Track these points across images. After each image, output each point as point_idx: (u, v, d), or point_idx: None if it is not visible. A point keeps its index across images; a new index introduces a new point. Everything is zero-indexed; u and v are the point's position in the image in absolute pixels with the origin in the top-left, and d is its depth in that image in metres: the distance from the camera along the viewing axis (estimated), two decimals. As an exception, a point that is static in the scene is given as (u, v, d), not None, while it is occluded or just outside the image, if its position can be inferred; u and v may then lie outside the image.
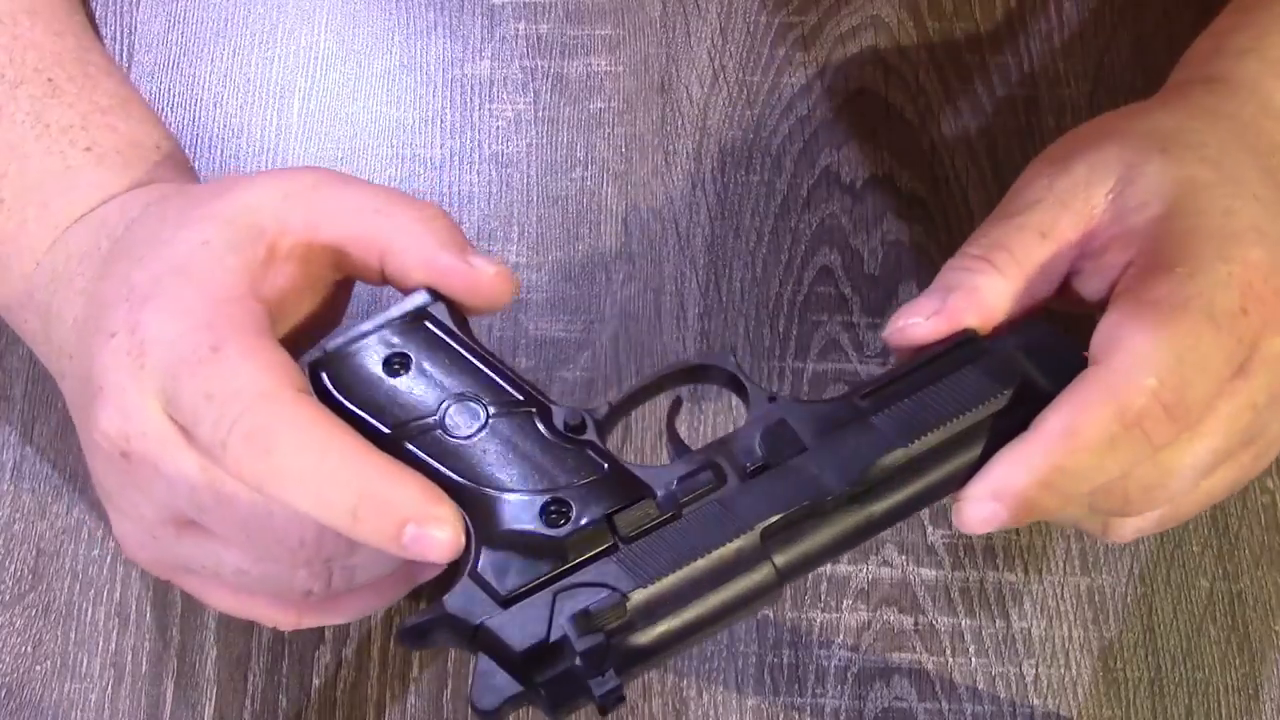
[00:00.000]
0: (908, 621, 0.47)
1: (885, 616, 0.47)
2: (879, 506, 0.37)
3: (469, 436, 0.38)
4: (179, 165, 0.45)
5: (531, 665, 0.35)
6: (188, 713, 0.46)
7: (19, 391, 0.50)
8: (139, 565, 0.42)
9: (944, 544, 0.48)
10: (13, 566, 0.47)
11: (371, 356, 0.38)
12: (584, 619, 0.34)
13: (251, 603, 0.41)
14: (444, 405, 0.38)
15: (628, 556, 0.36)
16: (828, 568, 0.48)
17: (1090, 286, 0.40)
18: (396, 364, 0.38)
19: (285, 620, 0.42)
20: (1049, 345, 0.39)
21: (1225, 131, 0.41)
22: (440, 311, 0.39)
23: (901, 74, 0.55)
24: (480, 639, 0.35)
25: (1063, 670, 0.47)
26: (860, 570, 0.48)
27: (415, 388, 0.38)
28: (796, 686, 0.46)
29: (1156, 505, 0.38)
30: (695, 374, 0.41)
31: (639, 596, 0.35)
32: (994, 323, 0.39)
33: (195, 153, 0.53)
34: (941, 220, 0.52)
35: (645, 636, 0.35)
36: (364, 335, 0.39)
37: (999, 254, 0.39)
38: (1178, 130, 0.41)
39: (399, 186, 0.53)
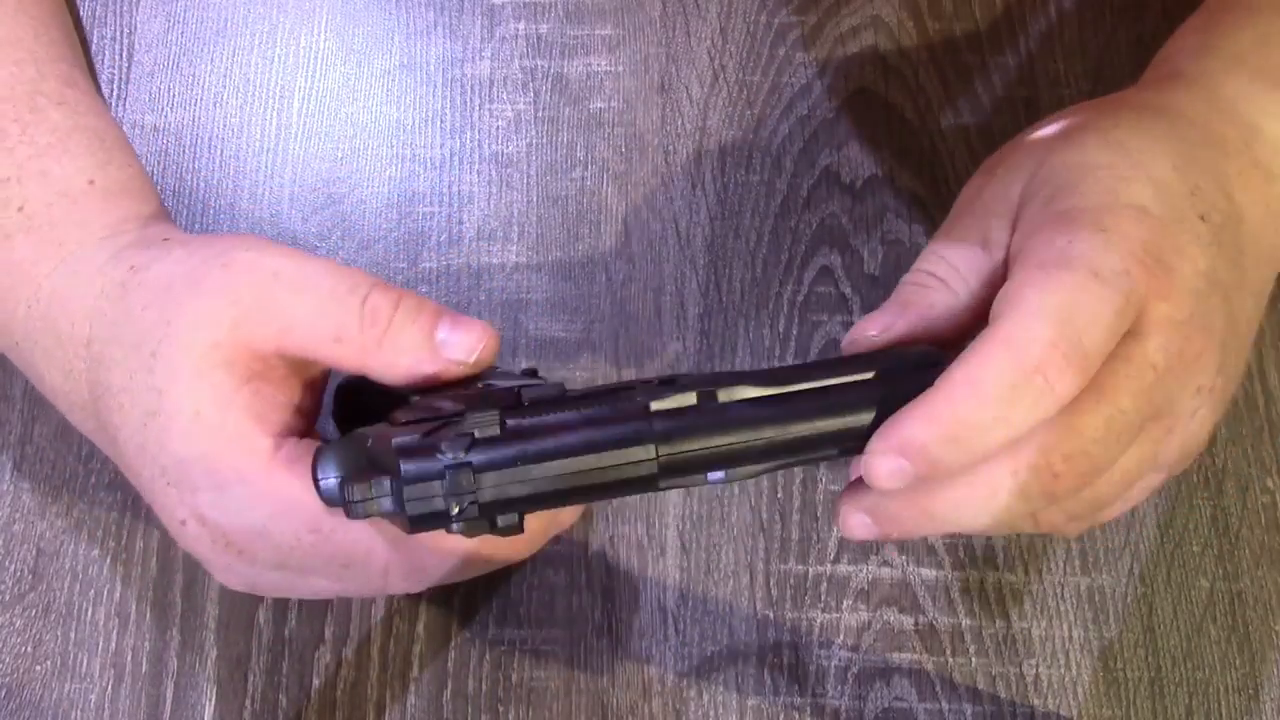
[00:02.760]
0: (908, 621, 0.47)
1: (885, 616, 0.47)
2: (779, 433, 0.36)
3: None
4: (110, 195, 0.45)
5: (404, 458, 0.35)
6: (188, 713, 0.46)
7: (19, 391, 0.50)
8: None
9: (944, 544, 0.48)
10: (13, 566, 0.47)
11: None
12: (455, 425, 0.35)
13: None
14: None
15: (522, 408, 0.36)
16: (827, 567, 0.48)
17: None
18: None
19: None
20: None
21: (1149, 120, 0.41)
22: None
23: (901, 74, 0.55)
24: (371, 446, 0.36)
25: (1063, 670, 0.47)
26: (860, 570, 0.48)
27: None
28: (796, 686, 0.46)
29: (1087, 479, 0.38)
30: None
31: (515, 420, 0.35)
32: (946, 336, 0.40)
33: (195, 153, 0.53)
34: (941, 220, 0.52)
35: (511, 456, 0.35)
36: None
37: (945, 269, 0.40)
38: (1090, 120, 0.42)
39: (399, 187, 0.53)
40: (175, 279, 0.40)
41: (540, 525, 0.42)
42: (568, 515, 0.44)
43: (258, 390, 0.39)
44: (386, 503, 0.35)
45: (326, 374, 0.42)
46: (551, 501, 0.36)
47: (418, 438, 0.35)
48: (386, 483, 0.35)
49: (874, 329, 0.40)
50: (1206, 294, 0.38)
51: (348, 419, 0.43)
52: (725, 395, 0.36)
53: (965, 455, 0.36)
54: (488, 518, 0.35)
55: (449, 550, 0.40)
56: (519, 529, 0.36)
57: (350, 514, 0.36)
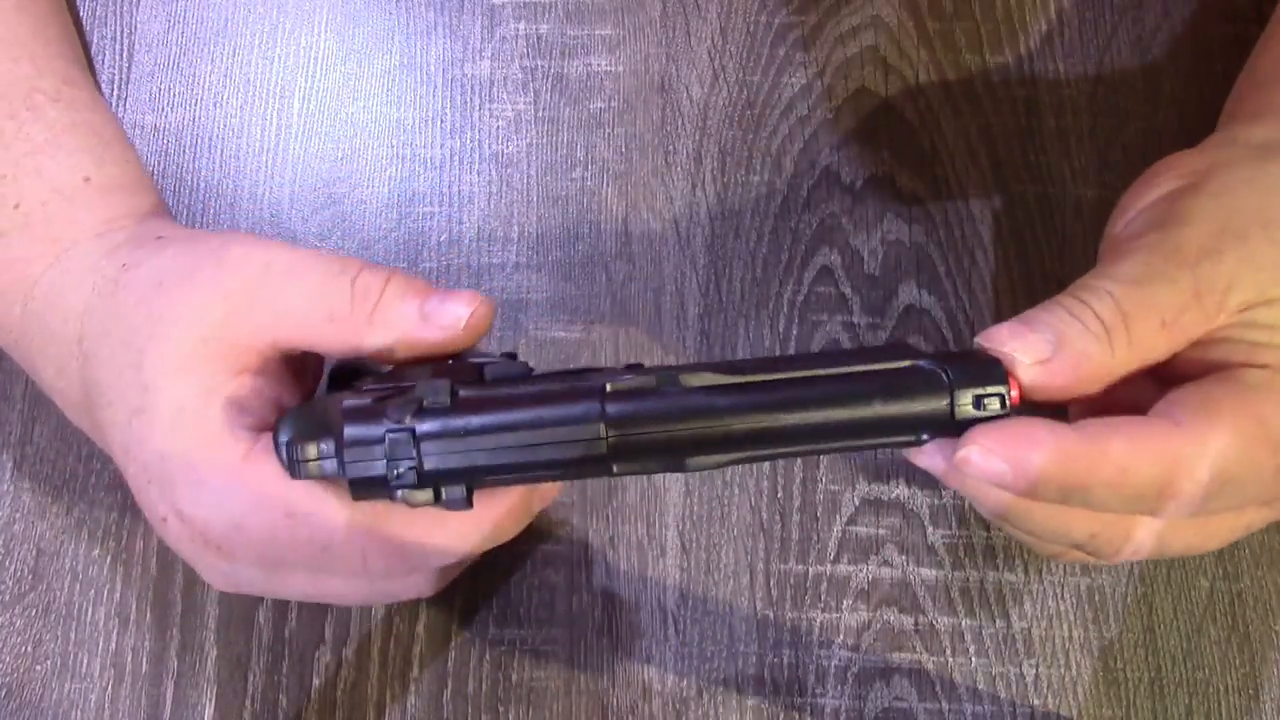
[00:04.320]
0: (908, 621, 0.47)
1: (885, 616, 0.47)
2: (738, 424, 0.35)
3: None
4: (106, 191, 0.45)
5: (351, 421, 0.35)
6: (188, 713, 0.46)
7: (19, 391, 0.50)
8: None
9: (944, 544, 0.48)
10: (13, 566, 0.47)
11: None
12: (407, 393, 0.35)
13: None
14: None
15: (478, 384, 0.36)
16: (827, 567, 0.48)
17: (1165, 364, 0.38)
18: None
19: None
20: (969, 355, 0.37)
21: None
22: None
23: (901, 74, 0.55)
24: (324, 409, 0.36)
25: (1063, 670, 0.47)
26: (860, 570, 0.48)
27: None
28: (796, 686, 0.46)
29: (1108, 558, 0.39)
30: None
31: (467, 390, 0.35)
32: (1076, 397, 0.37)
33: (195, 153, 0.53)
34: (941, 220, 0.53)
35: (459, 427, 0.35)
36: None
37: (1119, 330, 0.36)
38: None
39: (399, 187, 0.53)
40: (168, 275, 0.40)
41: (520, 500, 0.40)
42: (548, 489, 0.42)
43: (244, 383, 0.39)
44: (330, 464, 0.35)
45: (318, 372, 0.43)
46: (497, 476, 0.35)
47: (366, 402, 0.35)
48: (331, 444, 0.35)
49: (1029, 355, 0.36)
50: None
51: None
52: (688, 380, 0.35)
53: (1059, 501, 0.35)
54: (430, 487, 0.35)
55: (423, 530, 0.39)
56: (466, 504, 0.35)
57: (293, 473, 0.36)
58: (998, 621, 0.47)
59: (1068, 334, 0.36)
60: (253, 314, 0.39)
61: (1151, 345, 0.37)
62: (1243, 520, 0.38)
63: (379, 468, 0.35)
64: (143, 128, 0.54)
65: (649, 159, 0.54)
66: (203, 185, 0.53)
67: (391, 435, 0.34)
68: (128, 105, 0.54)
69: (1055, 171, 0.53)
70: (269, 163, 0.53)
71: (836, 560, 0.48)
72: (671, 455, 0.35)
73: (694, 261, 0.52)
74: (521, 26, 0.55)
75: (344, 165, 0.53)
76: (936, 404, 0.35)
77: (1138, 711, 0.46)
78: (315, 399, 0.38)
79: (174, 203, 0.53)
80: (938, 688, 0.46)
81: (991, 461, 0.34)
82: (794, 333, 0.51)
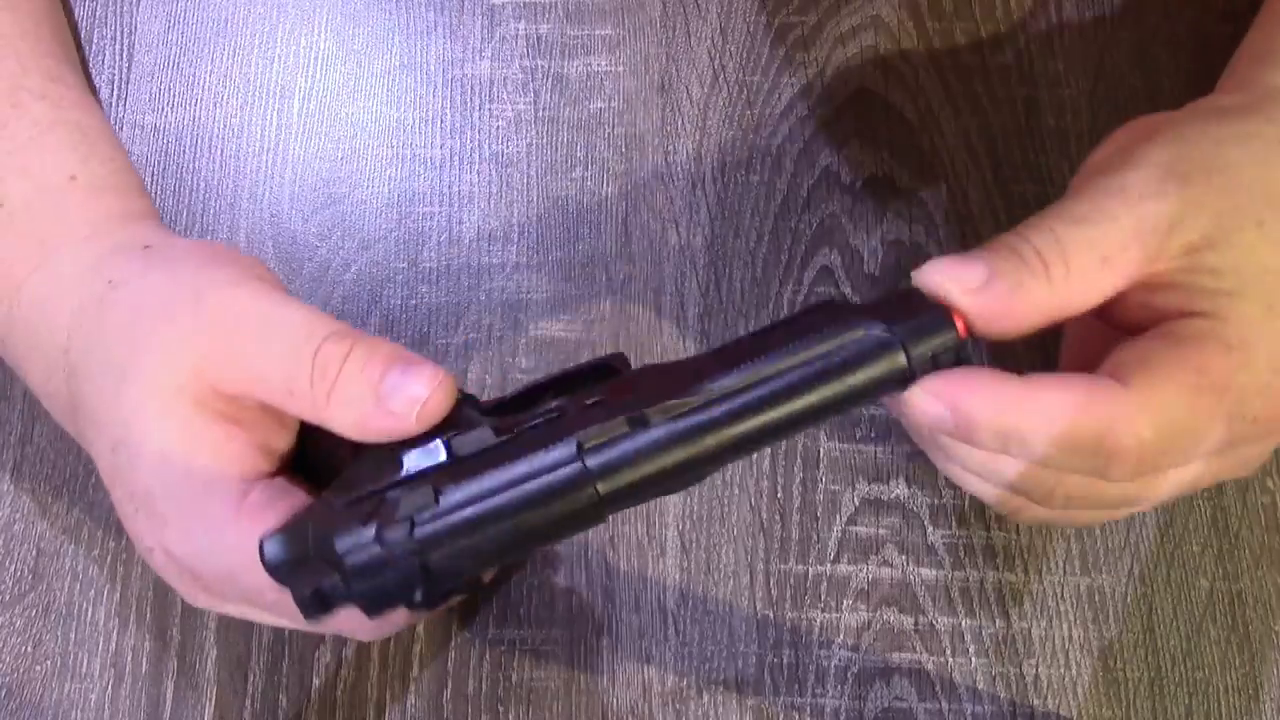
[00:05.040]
0: (908, 621, 0.47)
1: (885, 616, 0.47)
2: (717, 440, 0.36)
3: None
4: (93, 191, 0.44)
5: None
6: (188, 713, 0.46)
7: (19, 391, 0.50)
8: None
9: (944, 544, 0.48)
10: (13, 566, 0.47)
11: None
12: (390, 509, 0.35)
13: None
14: None
15: (455, 468, 0.36)
16: (827, 567, 0.48)
17: (1119, 311, 0.38)
18: None
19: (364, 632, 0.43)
20: (912, 305, 0.37)
21: None
22: None
23: (901, 74, 0.55)
24: (314, 540, 0.36)
25: (1063, 670, 0.47)
26: (860, 570, 0.48)
27: None
28: (796, 686, 0.46)
29: (1044, 501, 0.39)
30: (591, 373, 0.41)
31: (450, 490, 0.35)
32: (1022, 331, 0.38)
33: (195, 153, 0.53)
34: (941, 220, 0.53)
35: (453, 529, 0.35)
36: None
37: (1058, 264, 0.37)
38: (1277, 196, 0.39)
39: (399, 187, 0.53)
40: (147, 307, 0.40)
41: None
42: None
43: (227, 431, 0.38)
44: (340, 601, 0.36)
45: None
46: (502, 559, 0.36)
47: (358, 532, 0.35)
48: (339, 583, 0.35)
49: (960, 281, 0.37)
50: None
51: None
52: (657, 416, 0.36)
53: (997, 449, 0.36)
54: (441, 591, 0.36)
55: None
56: (475, 589, 0.36)
57: (307, 615, 0.36)
58: (998, 621, 0.47)
59: (1003, 266, 0.37)
60: (225, 370, 0.38)
61: (1093, 281, 0.37)
62: (1188, 474, 0.38)
63: (392, 594, 0.35)
64: (143, 128, 0.54)
65: (649, 159, 0.54)
66: (203, 185, 0.53)
67: (398, 570, 0.35)
68: (128, 105, 0.54)
69: (1055, 171, 0.53)
70: (269, 163, 0.53)
71: (836, 560, 0.48)
72: (661, 486, 0.36)
73: (694, 261, 0.52)
74: (521, 26, 0.55)
75: (344, 165, 0.53)
76: (896, 365, 0.36)
77: (1138, 711, 0.46)
78: (293, 524, 0.37)
79: (174, 203, 0.53)
80: (938, 688, 0.46)
81: (933, 405, 0.36)
82: (794, 333, 0.51)
